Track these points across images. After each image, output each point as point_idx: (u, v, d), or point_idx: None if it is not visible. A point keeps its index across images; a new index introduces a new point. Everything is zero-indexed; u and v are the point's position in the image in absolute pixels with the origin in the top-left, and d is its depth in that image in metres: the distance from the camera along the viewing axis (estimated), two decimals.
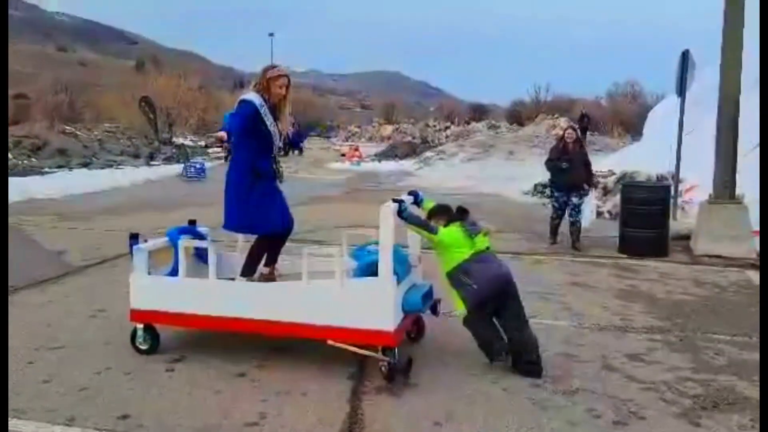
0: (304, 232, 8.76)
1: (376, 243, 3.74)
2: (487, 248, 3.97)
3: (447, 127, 43.89)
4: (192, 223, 4.51)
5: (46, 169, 18.30)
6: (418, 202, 4.17)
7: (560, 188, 8.21)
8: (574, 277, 6.65)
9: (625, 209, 7.99)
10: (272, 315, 3.83)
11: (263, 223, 4.17)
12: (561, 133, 10.00)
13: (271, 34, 52.75)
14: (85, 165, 20.15)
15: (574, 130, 8.81)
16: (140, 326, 4.05)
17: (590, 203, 8.20)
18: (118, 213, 10.48)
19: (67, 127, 28.91)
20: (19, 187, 12.29)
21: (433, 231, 3.88)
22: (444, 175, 19.65)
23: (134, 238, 4.14)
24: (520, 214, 11.53)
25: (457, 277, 3.85)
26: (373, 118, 75.68)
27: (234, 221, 4.18)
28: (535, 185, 14.18)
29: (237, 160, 4.17)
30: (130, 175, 16.90)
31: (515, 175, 16.82)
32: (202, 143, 34.39)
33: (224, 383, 3.67)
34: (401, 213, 3.74)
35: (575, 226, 8.10)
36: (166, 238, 4.25)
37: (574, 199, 8.05)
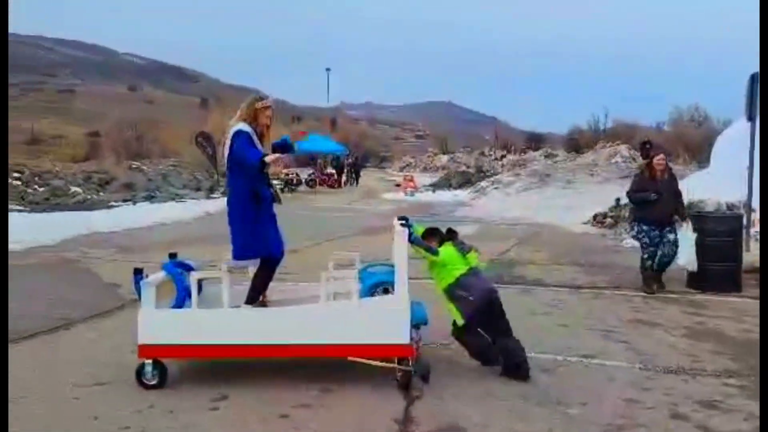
0: (349, 264, 8.69)
1: (373, 265, 4.30)
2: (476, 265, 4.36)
3: (503, 156, 43.46)
4: (173, 256, 4.41)
5: (112, 203, 19.02)
6: (408, 226, 4.29)
7: (649, 222, 7.25)
8: (637, 314, 6.27)
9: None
10: (292, 338, 3.96)
11: (269, 248, 4.28)
12: (642, 161, 9.11)
13: (327, 69, 54.01)
14: (149, 198, 20.83)
15: (665, 157, 7.69)
16: (148, 361, 4.01)
17: (689, 238, 7.05)
18: (176, 246, 10.60)
19: (134, 163, 30.16)
20: (83, 221, 12.76)
21: (434, 252, 4.27)
22: (500, 205, 19.33)
23: (139, 273, 4.12)
24: (579, 245, 11.13)
25: (454, 291, 4.25)
26: (427, 148, 75.85)
27: (247, 251, 4.25)
28: (595, 215, 13.71)
29: (238, 189, 4.24)
30: (190, 208, 17.31)
31: (573, 204, 16.36)
32: None
33: (267, 425, 3.56)
34: (409, 237, 4.11)
35: (664, 262, 7.24)
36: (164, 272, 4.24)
37: (670, 235, 7.17)
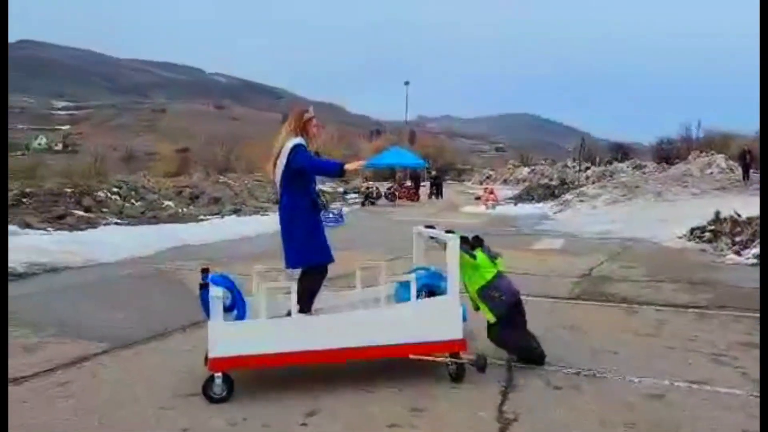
0: None
1: (417, 269, 4.77)
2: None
3: (587, 168, 42.05)
4: (205, 271, 4.35)
5: (201, 217, 19.78)
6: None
7: None
8: (748, 336, 5.76)
9: None
10: (359, 341, 4.18)
11: (328, 254, 4.57)
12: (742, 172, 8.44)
13: (406, 83, 54.24)
14: (236, 212, 21.54)
15: None
16: (218, 375, 4.02)
17: None
18: (260, 258, 10.88)
19: (221, 177, 31.34)
20: (174, 234, 13.28)
21: (474, 257, 4.65)
22: (586, 218, 18.63)
23: (205, 271, 4.24)
24: (676, 261, 10.50)
25: (488, 292, 4.63)
26: (507, 160, 74.63)
27: (308, 258, 4.49)
28: (692, 229, 12.92)
29: (299, 199, 4.50)
30: (274, 222, 17.72)
31: (666, 217, 15.52)
32: (341, 189, 35.72)
33: None
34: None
35: None
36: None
37: None
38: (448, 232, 4.71)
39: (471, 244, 4.77)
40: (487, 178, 55.51)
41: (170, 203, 23.31)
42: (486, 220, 20.11)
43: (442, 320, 4.29)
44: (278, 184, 4.56)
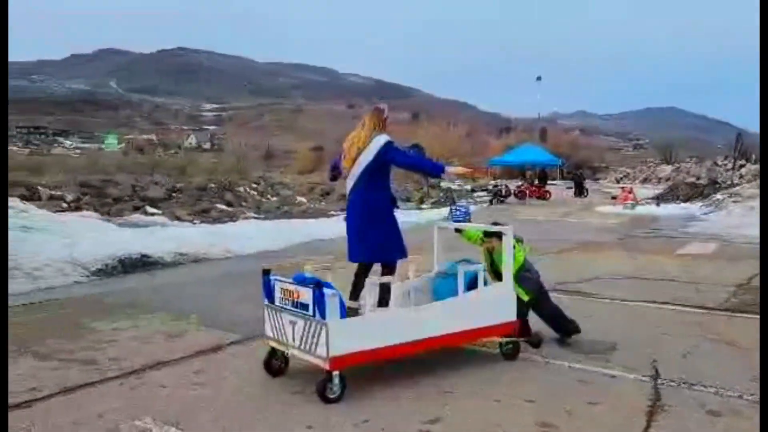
0: (576, 281, 8.04)
1: (460, 262, 4.83)
2: None
3: (741, 166, 38.21)
4: (267, 272, 4.43)
5: (331, 213, 20.35)
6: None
7: None
8: None
9: None
10: (449, 329, 4.40)
11: (405, 251, 4.83)
12: None
13: (538, 78, 52.53)
14: None
15: None
16: (336, 373, 3.90)
17: None
18: None
19: None
20: (306, 229, 13.72)
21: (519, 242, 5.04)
22: (741, 220, 16.82)
23: (267, 273, 4.39)
24: None
25: (522, 273, 4.90)
26: (646, 157, 70.05)
27: (390, 253, 4.71)
28: None
29: (383, 194, 4.70)
30: (402, 218, 17.79)
31: None
32: (468, 187, 35.29)
33: None
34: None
35: None
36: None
37: None
38: (494, 224, 4.97)
39: (497, 235, 4.90)
40: (624, 176, 52.29)
41: (303, 199, 24.28)
42: (625, 220, 18.82)
43: (503, 304, 4.66)
44: (355, 178, 4.63)
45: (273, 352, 4.36)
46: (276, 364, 4.35)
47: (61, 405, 3.92)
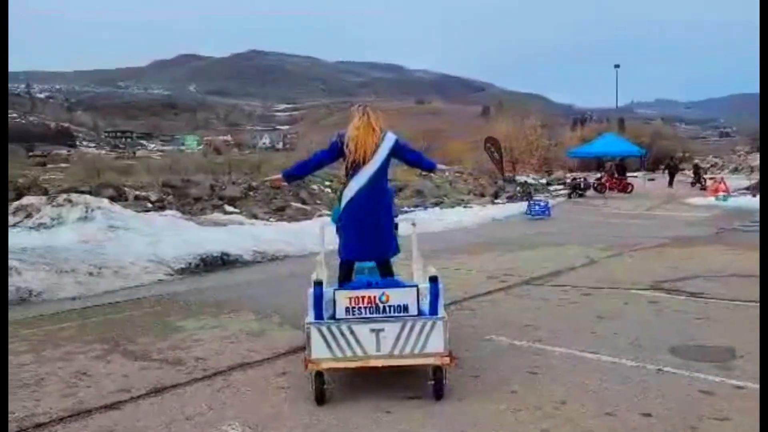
0: (675, 279, 7.46)
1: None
2: None
3: None
4: (319, 284, 3.93)
5: (405, 208, 20.14)
6: None
7: None
8: None
9: None
10: None
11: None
12: None
13: (616, 66, 50.35)
14: (437, 204, 21.62)
15: None
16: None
17: None
18: (467, 252, 10.59)
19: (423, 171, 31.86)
20: None
21: None
22: None
23: (319, 285, 3.95)
24: None
25: None
26: (734, 146, 66.22)
27: (396, 246, 4.76)
28: None
29: (390, 188, 4.78)
30: (478, 213, 17.39)
31: None
32: (544, 181, 34.28)
33: None
34: None
35: None
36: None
37: None
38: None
39: None
40: (712, 166, 49.45)
41: None
42: (718, 212, 17.64)
43: None
44: (368, 175, 4.46)
45: (320, 377, 3.80)
46: (328, 389, 3.84)
47: (150, 407, 3.86)
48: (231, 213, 16.17)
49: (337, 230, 4.71)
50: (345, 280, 4.61)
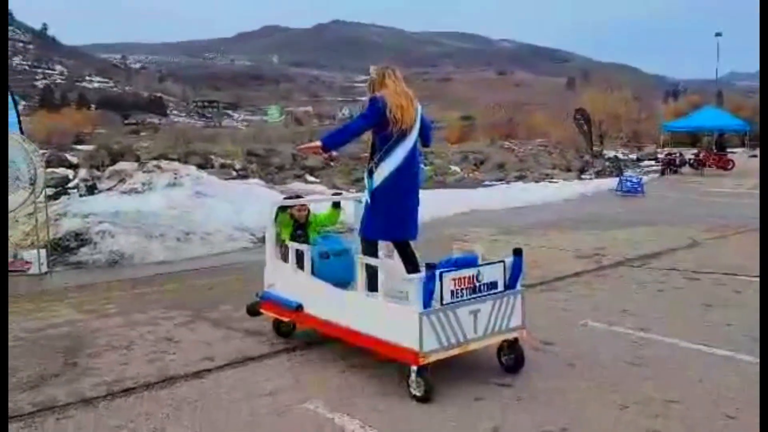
0: None
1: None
2: None
3: None
4: (430, 266, 3.44)
5: (486, 182, 19.66)
6: None
7: None
8: None
9: None
10: None
11: None
12: None
13: (717, 34, 46.86)
14: (521, 178, 20.95)
15: None
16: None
17: None
18: (556, 229, 10.09)
19: (505, 143, 31.00)
20: (463, 200, 13.20)
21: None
22: None
23: (432, 268, 3.45)
24: None
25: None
26: None
27: None
28: None
29: None
30: (564, 189, 16.66)
31: None
32: (634, 156, 32.61)
33: None
34: None
35: None
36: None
37: None
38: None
39: None
40: None
41: (456, 168, 23.75)
42: None
43: None
44: (411, 143, 4.07)
45: (425, 371, 3.41)
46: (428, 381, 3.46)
47: (232, 378, 3.81)
48: (312, 183, 16.27)
49: (367, 206, 4.14)
50: (401, 257, 4.24)
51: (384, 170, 4.01)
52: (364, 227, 4.22)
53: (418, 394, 3.39)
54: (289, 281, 4.36)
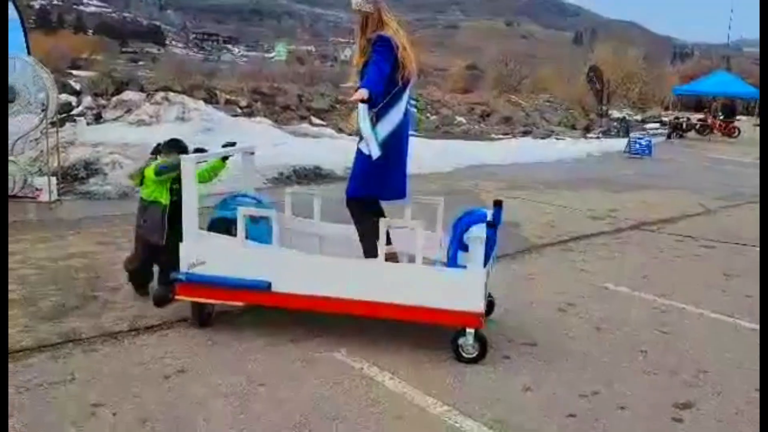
0: None
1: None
2: None
3: None
4: (491, 225, 3.32)
5: (493, 136, 19.44)
6: None
7: None
8: None
9: None
10: None
11: None
12: None
13: None
14: (527, 133, 20.73)
15: None
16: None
17: None
18: (566, 188, 10.00)
19: (512, 97, 30.52)
20: (472, 153, 13.03)
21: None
22: None
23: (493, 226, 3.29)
24: None
25: None
26: None
27: None
28: None
29: None
30: (570, 148, 16.49)
31: None
32: (639, 117, 32.29)
33: None
34: None
35: None
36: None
37: None
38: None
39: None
40: None
41: (462, 119, 23.43)
42: None
43: None
44: (408, 93, 3.69)
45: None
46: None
47: (251, 325, 3.72)
48: (318, 125, 16.00)
49: (365, 160, 3.61)
50: (379, 221, 3.53)
51: (391, 120, 3.59)
52: (360, 183, 3.69)
53: (474, 355, 3.29)
54: (239, 257, 3.58)
